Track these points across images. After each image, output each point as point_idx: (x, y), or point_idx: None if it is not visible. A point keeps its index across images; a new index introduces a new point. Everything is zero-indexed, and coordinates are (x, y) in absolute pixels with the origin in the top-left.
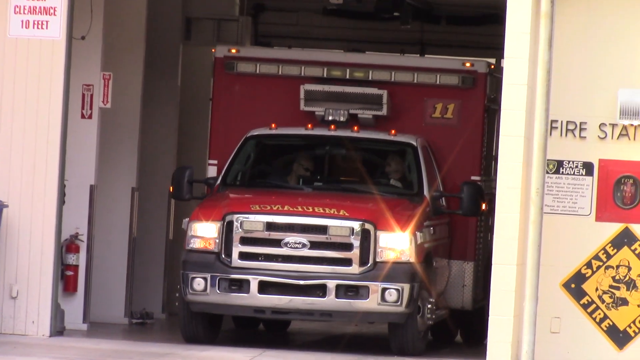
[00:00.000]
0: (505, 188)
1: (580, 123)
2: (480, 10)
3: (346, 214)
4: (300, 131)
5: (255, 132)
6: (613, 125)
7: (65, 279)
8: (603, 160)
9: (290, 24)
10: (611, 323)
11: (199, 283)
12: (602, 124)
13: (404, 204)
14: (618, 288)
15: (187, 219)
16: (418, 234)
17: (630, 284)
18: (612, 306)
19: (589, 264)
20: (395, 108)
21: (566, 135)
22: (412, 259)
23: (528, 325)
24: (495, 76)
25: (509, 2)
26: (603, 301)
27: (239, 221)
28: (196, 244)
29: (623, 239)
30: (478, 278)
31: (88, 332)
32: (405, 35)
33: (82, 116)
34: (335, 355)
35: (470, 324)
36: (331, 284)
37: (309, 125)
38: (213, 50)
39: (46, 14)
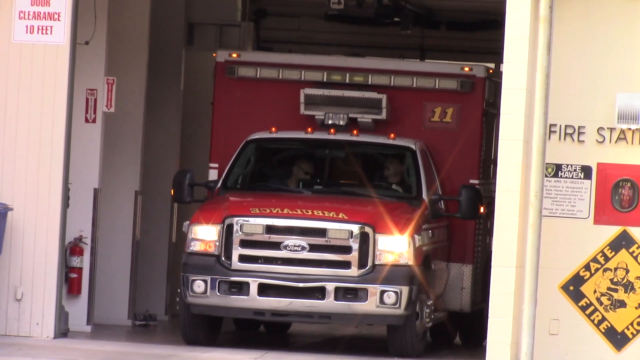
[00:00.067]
0: (505, 191)
1: (579, 127)
2: (480, 16)
3: (345, 217)
4: (300, 135)
5: (256, 136)
6: (611, 129)
7: (69, 281)
8: (601, 164)
9: (291, 29)
10: (609, 325)
11: (199, 285)
12: (600, 128)
13: (403, 207)
14: (616, 290)
15: (187, 222)
16: (416, 237)
17: (628, 286)
18: (611, 308)
19: (587, 267)
20: (395, 112)
21: (565, 139)
22: (411, 262)
23: (527, 327)
24: (493, 80)
25: (508, 7)
26: (601, 303)
27: (239, 224)
28: (196, 246)
29: (621, 242)
30: (477, 281)
31: (92, 333)
32: (406, 40)
33: (86, 120)
34: (336, 357)
35: (468, 326)
36: (330, 286)
37: (309, 129)
38: (214, 54)
39: (50, 20)
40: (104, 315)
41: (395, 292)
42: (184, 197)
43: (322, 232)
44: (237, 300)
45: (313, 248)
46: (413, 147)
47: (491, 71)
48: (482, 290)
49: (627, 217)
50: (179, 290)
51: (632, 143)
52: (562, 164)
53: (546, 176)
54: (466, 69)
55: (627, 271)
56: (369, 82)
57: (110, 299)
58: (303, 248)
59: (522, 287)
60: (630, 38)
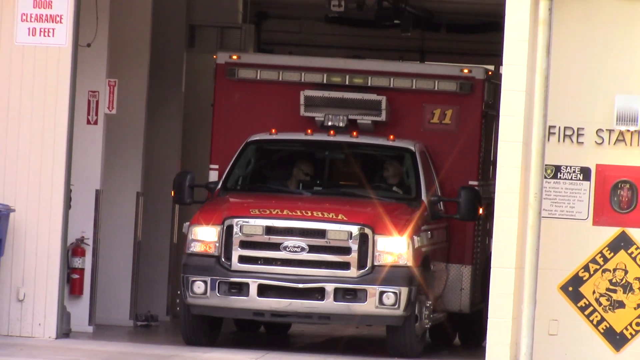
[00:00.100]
0: (504, 192)
1: (578, 129)
2: (480, 19)
3: (344, 218)
4: (300, 136)
5: (256, 137)
6: (610, 131)
7: (71, 282)
8: (600, 165)
9: (292, 32)
10: (608, 325)
11: (199, 286)
12: (599, 130)
13: (402, 209)
14: (615, 291)
15: (187, 223)
16: (415, 238)
17: (627, 287)
18: (609, 309)
19: (586, 267)
20: (394, 114)
21: (564, 140)
22: (410, 263)
23: (526, 328)
24: (493, 82)
25: (507, 10)
26: (600, 304)
27: (239, 225)
28: (196, 247)
29: (620, 243)
30: (476, 281)
31: (94, 334)
32: (406, 42)
33: (88, 122)
34: (336, 357)
35: (468, 326)
36: (329, 287)
37: (309, 131)
38: (214, 56)
39: (52, 22)
40: (106, 315)
41: (394, 293)
42: (184, 199)
43: (321, 233)
44: (237, 301)
45: (312, 249)
46: (412, 148)
47: (490, 73)
48: (481, 291)
49: (626, 218)
50: (179, 292)
51: (630, 145)
52: (561, 166)
53: (545, 177)
54: (465, 71)
55: (626, 272)
56: (369, 84)
57: (112, 299)
58: (302, 249)
59: (522, 288)
60: (629, 40)
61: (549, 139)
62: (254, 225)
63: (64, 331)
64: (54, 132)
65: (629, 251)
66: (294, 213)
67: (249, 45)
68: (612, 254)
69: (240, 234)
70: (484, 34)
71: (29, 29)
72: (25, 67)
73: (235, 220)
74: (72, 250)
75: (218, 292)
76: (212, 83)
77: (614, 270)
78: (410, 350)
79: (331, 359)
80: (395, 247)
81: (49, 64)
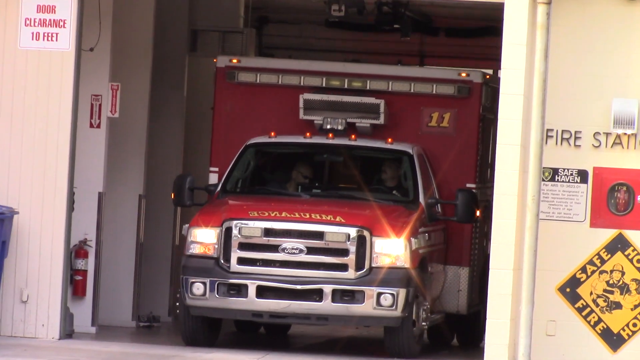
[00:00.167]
0: (502, 195)
1: (575, 132)
2: (478, 23)
3: (342, 220)
4: (299, 139)
5: (255, 140)
6: (607, 134)
7: (74, 283)
8: (597, 168)
9: (293, 36)
10: (605, 326)
11: (198, 288)
12: (596, 133)
13: (400, 211)
14: (612, 292)
15: (186, 225)
16: (413, 240)
17: (624, 288)
18: (606, 310)
19: (583, 269)
20: (393, 117)
21: (561, 143)
22: (407, 265)
23: (524, 328)
24: (490, 86)
25: (506, 14)
26: (597, 305)
27: (238, 227)
28: (196, 249)
29: (617, 245)
30: (473, 283)
31: (96, 335)
32: (405, 46)
33: (91, 125)
34: (336, 358)
35: (465, 328)
36: (327, 288)
37: (308, 134)
38: (215, 60)
39: (56, 27)
40: (109, 316)
41: (392, 294)
42: (184, 201)
43: (319, 235)
44: (236, 303)
45: (311, 251)
46: (410, 151)
47: (488, 77)
48: (479, 293)
49: (622, 221)
50: (178, 295)
51: (627, 147)
52: (558, 168)
53: (543, 180)
54: (463, 74)
55: (623, 273)
56: (367, 88)
57: (115, 300)
58: (301, 251)
59: (520, 289)
60: (626, 45)
61: (546, 142)
62: (253, 227)
63: (67, 332)
64: (57, 135)
65: (626, 253)
66: (292, 215)
67: (250, 49)
68: (609, 255)
69: (239, 235)
70: (482, 38)
71: (32, 33)
72: (29, 71)
73: (234, 222)
74: (75, 252)
75: (217, 293)
76: (213, 87)
77: (611, 271)
78: (408, 351)
79: None
80: (392, 249)
81: (53, 68)
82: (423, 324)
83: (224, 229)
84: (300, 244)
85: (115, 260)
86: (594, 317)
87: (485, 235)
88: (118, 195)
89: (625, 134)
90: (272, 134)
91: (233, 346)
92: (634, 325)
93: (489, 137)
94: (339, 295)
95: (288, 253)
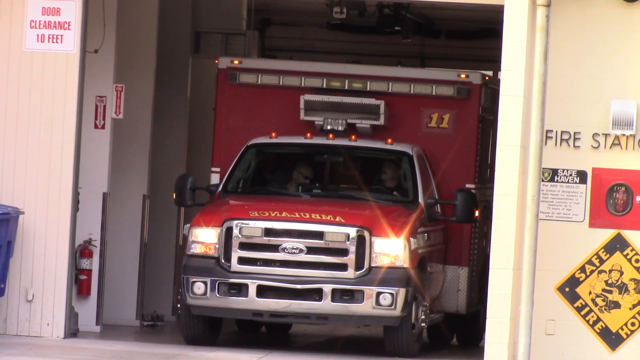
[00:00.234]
0: (502, 195)
1: (575, 133)
2: (478, 25)
3: (342, 220)
4: (300, 140)
5: (256, 141)
6: (606, 135)
7: (79, 282)
8: (596, 169)
9: (295, 38)
10: (604, 325)
11: (199, 287)
12: (595, 134)
13: (399, 211)
14: (611, 292)
15: (188, 225)
16: (412, 239)
17: (623, 288)
18: (605, 309)
19: (582, 269)
20: (393, 118)
21: (561, 144)
22: (406, 264)
23: (524, 328)
24: (489, 87)
25: (506, 17)
26: (596, 304)
27: (238, 227)
28: (197, 249)
29: (615, 245)
30: (472, 283)
31: (101, 334)
32: (406, 48)
33: (96, 126)
34: (337, 357)
35: (465, 327)
36: (327, 288)
37: (308, 134)
38: (216, 61)
39: (61, 29)
40: (113, 315)
41: (391, 294)
42: (186, 201)
43: (319, 235)
44: (236, 302)
45: (311, 250)
46: (410, 152)
47: (487, 78)
48: (478, 293)
49: (621, 221)
50: (179, 296)
51: (626, 149)
52: (558, 169)
53: (543, 181)
54: (462, 75)
55: (622, 273)
56: (368, 89)
57: (119, 300)
58: (301, 250)
59: (519, 289)
60: (625, 47)
61: (546, 143)
62: (253, 227)
63: (72, 331)
64: (62, 136)
65: (625, 253)
66: (292, 215)
67: (253, 51)
68: (607, 255)
69: (239, 235)
70: (482, 41)
71: (37, 35)
72: (34, 73)
73: (235, 222)
74: (79, 251)
75: (218, 292)
76: (215, 88)
77: (610, 271)
78: (407, 350)
79: (332, 359)
80: (392, 249)
81: (58, 69)
82: (422, 323)
83: (224, 229)
84: (300, 243)
85: (120, 259)
86: (592, 317)
87: (485, 235)
88: (122, 196)
89: (624, 135)
90: (273, 134)
91: (235, 345)
92: (632, 324)
93: (488, 137)
94: (339, 295)
95: (288, 253)
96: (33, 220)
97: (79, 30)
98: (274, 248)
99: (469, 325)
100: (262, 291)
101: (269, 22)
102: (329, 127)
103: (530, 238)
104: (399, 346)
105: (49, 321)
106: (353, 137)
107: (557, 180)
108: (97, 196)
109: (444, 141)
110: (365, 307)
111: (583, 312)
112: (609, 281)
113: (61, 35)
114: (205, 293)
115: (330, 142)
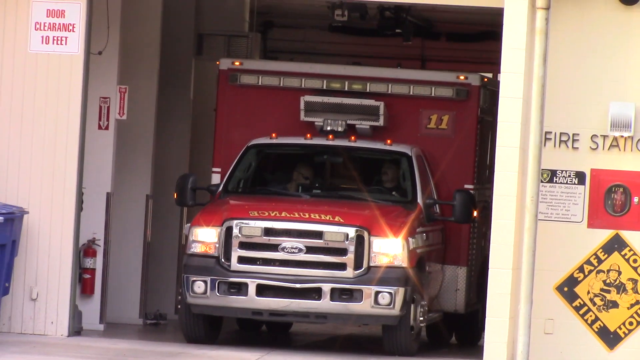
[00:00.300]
0: (502, 196)
1: (573, 134)
2: (478, 28)
3: (341, 220)
4: (300, 141)
5: (256, 142)
6: (604, 137)
7: (82, 281)
8: (595, 170)
9: (297, 40)
10: (602, 324)
11: (199, 286)
12: (593, 136)
13: (398, 211)
14: (609, 291)
15: (188, 224)
16: (411, 239)
17: (621, 288)
18: (603, 308)
19: (581, 269)
20: (392, 119)
21: (559, 146)
22: (405, 264)
23: (523, 327)
24: (488, 89)
25: (505, 19)
26: (594, 304)
27: (238, 227)
28: (197, 248)
29: (614, 245)
30: (471, 283)
31: (104, 332)
32: (407, 51)
33: (99, 127)
34: (338, 356)
35: (463, 327)
36: (326, 287)
37: (308, 135)
38: (217, 62)
39: (65, 31)
40: (116, 314)
41: (390, 293)
42: (187, 201)
43: (318, 235)
44: (236, 301)
45: (310, 250)
46: (409, 152)
47: (486, 80)
48: (477, 292)
49: (619, 221)
50: (180, 297)
51: (624, 150)
52: (557, 170)
53: (542, 182)
54: (461, 77)
55: (619, 273)
56: (367, 90)
57: (122, 298)
58: (300, 250)
59: (518, 288)
60: (624, 50)
61: (545, 144)
62: (253, 226)
63: (76, 329)
64: (66, 137)
65: (622, 253)
66: (292, 215)
67: (255, 53)
68: (606, 255)
69: (239, 235)
70: (482, 43)
71: (42, 37)
72: (38, 75)
73: (235, 221)
74: (83, 251)
75: (218, 291)
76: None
77: (608, 271)
78: (406, 349)
79: (333, 358)
80: (390, 249)
81: (62, 71)
82: (421, 323)
83: (224, 229)
84: (299, 243)
85: (123, 259)
86: (591, 316)
87: (483, 235)
88: (126, 196)
89: (622, 136)
90: (274, 135)
91: (236, 344)
92: (630, 323)
93: (487, 138)
94: (338, 294)
95: (288, 252)
96: (37, 220)
97: (83, 32)
98: (274, 247)
99: (467, 325)
100: (261, 290)
101: (271, 24)
102: (328, 128)
103: (529, 238)
104: (398, 345)
105: (53, 319)
106: (353, 137)
107: (555, 181)
108: (101, 196)
109: (443, 142)
110: (364, 306)
111: (581, 312)
112: (607, 281)
113: (65, 37)
114: (205, 292)
115: (330, 142)
